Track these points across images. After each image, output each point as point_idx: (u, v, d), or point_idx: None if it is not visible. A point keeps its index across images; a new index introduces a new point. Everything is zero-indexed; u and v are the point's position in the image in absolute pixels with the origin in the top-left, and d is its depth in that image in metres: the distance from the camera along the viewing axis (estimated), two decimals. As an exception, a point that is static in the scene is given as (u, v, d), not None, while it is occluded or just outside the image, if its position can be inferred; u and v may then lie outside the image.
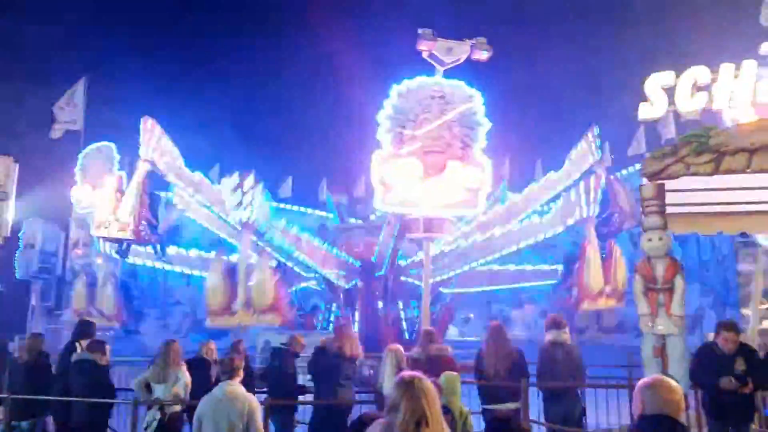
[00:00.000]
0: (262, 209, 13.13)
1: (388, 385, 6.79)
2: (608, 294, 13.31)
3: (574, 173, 13.91)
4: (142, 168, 13.87)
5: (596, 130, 13.80)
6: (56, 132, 18.80)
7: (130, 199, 13.77)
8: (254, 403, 5.48)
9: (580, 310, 13.99)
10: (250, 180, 12.76)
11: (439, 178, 10.11)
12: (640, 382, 2.93)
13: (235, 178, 12.86)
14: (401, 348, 7.17)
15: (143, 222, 13.81)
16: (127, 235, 13.71)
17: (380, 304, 15.21)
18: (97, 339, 8.30)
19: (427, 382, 2.71)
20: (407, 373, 2.80)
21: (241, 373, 5.66)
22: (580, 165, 13.88)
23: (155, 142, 13.81)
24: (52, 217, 18.06)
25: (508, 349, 7.06)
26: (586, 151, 13.83)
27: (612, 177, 13.59)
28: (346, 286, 15.43)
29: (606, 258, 13.40)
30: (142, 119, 13.74)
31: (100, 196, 14.43)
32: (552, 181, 14.37)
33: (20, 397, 7.79)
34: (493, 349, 7.06)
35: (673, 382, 2.96)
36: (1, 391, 8.34)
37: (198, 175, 14.33)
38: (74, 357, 7.76)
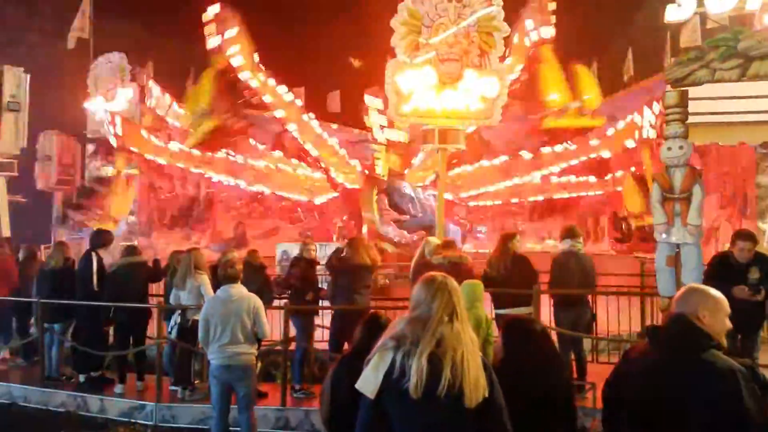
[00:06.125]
0: None
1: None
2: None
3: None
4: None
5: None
6: (70, 42, 18.45)
7: None
8: (258, 301, 5.93)
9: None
10: None
11: (454, 87, 9.87)
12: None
13: None
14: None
15: None
16: None
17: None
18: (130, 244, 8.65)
19: (454, 281, 2.78)
20: (436, 273, 2.84)
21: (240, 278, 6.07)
22: None
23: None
24: (67, 129, 18.06)
25: (514, 255, 7.18)
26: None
27: None
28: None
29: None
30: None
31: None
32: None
33: (52, 302, 8.15)
34: (500, 255, 7.21)
35: (714, 292, 2.88)
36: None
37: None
38: (123, 261, 7.99)
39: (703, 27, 8.99)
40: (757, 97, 6.33)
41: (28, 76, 14.85)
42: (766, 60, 6.13)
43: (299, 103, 16.50)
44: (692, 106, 6.40)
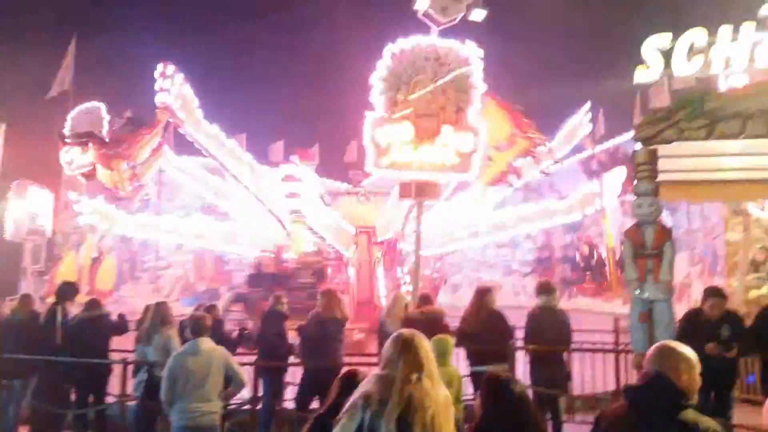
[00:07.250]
0: None
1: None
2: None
3: (563, 149, 15.00)
4: (161, 117, 13.88)
5: (586, 106, 15.12)
6: (52, 92, 18.44)
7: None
8: (227, 352, 5.85)
9: None
10: None
11: (431, 142, 9.97)
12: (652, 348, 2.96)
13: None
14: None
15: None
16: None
17: (378, 271, 15.16)
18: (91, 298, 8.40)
19: (423, 338, 2.78)
20: (404, 330, 2.88)
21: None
22: (569, 140, 15.22)
23: (177, 90, 13.80)
24: (41, 179, 17.83)
25: (489, 311, 7.12)
26: (575, 128, 15.20)
27: None
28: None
29: None
30: (159, 65, 13.71)
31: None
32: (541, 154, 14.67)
33: (12, 356, 7.79)
34: (475, 311, 7.13)
35: (687, 350, 2.89)
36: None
37: (215, 128, 14.51)
38: (83, 315, 7.76)
39: (671, 88, 9.32)
40: (723, 155, 6.50)
41: (4, 126, 14.73)
42: (732, 120, 6.33)
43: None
44: (661, 164, 6.54)
